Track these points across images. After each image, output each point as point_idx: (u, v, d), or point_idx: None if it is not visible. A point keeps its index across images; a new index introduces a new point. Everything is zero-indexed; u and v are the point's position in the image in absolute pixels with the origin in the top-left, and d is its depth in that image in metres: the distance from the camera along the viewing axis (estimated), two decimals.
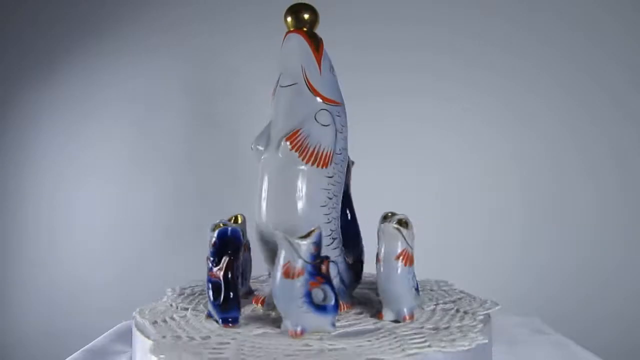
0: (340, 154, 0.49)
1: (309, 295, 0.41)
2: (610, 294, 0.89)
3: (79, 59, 1.01)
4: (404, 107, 0.93)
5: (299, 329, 0.41)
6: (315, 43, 0.50)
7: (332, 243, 0.48)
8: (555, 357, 0.58)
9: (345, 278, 0.50)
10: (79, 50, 1.01)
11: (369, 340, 0.41)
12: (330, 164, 0.48)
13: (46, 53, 1.01)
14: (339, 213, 0.50)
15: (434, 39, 0.94)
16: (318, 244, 0.42)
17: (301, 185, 0.47)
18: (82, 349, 0.63)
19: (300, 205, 0.47)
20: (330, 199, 0.49)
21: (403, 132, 0.93)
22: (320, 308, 0.42)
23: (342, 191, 0.51)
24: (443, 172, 0.94)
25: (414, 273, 0.45)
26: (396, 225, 0.44)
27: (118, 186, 1.00)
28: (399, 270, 0.43)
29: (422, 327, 0.43)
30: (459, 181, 0.94)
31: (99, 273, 0.99)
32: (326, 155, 0.47)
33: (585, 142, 0.92)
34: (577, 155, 0.92)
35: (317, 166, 0.47)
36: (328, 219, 0.48)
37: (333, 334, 0.42)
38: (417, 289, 0.47)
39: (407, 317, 0.44)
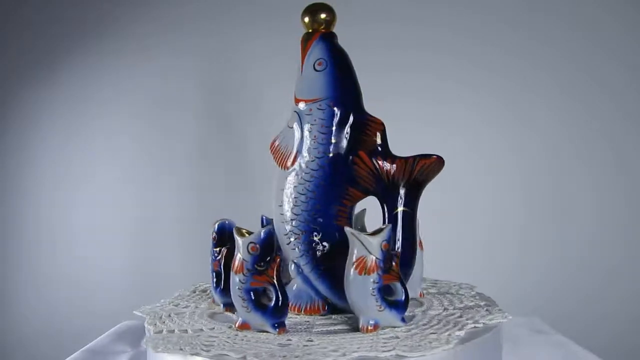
0: (315, 149, 0.48)
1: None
2: (610, 294, 0.89)
3: (79, 59, 1.01)
4: (404, 107, 0.93)
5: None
6: (305, 41, 0.50)
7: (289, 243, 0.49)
8: (555, 357, 0.58)
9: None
10: (79, 50, 1.01)
11: (343, 338, 0.41)
12: (294, 164, 0.48)
13: (46, 53, 1.01)
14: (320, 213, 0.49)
15: (434, 39, 0.94)
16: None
17: (275, 188, 0.50)
18: (82, 349, 0.63)
19: (273, 205, 0.50)
20: (297, 197, 0.48)
21: (403, 132, 0.93)
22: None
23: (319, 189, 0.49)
24: (442, 171, 0.94)
25: (380, 283, 0.42)
26: (352, 231, 0.43)
27: (118, 186, 1.00)
28: (353, 279, 0.42)
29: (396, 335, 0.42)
30: (459, 181, 0.94)
31: (99, 273, 0.99)
32: (288, 156, 0.49)
33: (585, 142, 0.92)
34: (577, 155, 0.92)
35: (282, 168, 0.49)
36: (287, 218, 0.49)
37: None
38: (396, 302, 0.43)
39: (366, 329, 0.42)
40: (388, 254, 0.43)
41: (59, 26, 1.01)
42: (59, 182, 1.01)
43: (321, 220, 0.48)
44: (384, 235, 0.43)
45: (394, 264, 0.43)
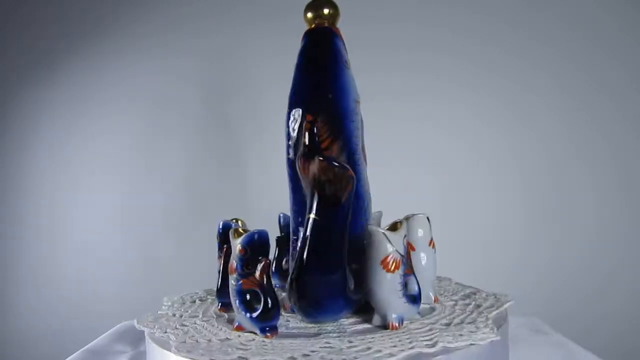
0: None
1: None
2: (610, 294, 0.89)
3: (79, 59, 1.01)
4: (404, 107, 0.93)
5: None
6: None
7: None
8: (555, 357, 0.58)
9: None
10: (79, 50, 1.01)
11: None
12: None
13: (46, 53, 1.01)
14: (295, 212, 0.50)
15: (434, 39, 0.94)
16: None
17: None
18: (82, 349, 0.63)
19: None
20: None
21: (403, 132, 0.93)
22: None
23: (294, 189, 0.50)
24: (442, 171, 0.94)
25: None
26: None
27: (118, 186, 1.00)
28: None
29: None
30: (459, 181, 0.94)
31: (99, 273, 0.99)
32: None
33: (585, 141, 0.92)
34: (577, 155, 0.92)
35: None
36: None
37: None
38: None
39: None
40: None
41: (59, 26, 1.01)
42: (59, 182, 1.01)
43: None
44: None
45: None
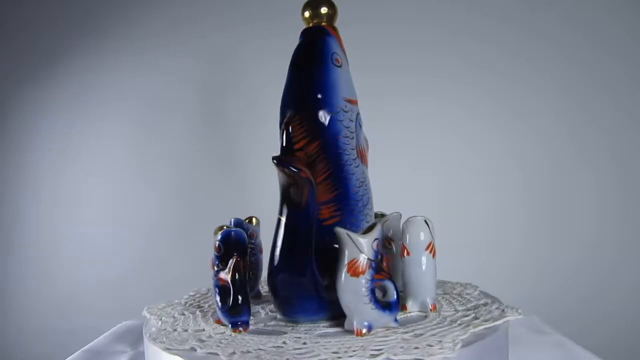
0: None
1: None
2: (610, 293, 0.89)
3: (79, 59, 1.01)
4: (404, 107, 0.93)
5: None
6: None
7: None
8: (554, 357, 0.58)
9: None
10: (79, 50, 1.01)
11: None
12: None
13: (46, 53, 1.01)
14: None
15: (434, 39, 0.94)
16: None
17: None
18: (82, 349, 0.63)
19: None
20: None
21: (403, 131, 0.93)
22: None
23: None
24: (442, 171, 0.94)
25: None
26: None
27: (119, 186, 1.00)
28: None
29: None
30: (459, 181, 0.94)
31: (99, 273, 0.99)
32: None
33: (585, 141, 0.92)
34: (577, 154, 0.92)
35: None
36: None
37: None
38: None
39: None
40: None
41: (59, 26, 1.01)
42: (60, 182, 1.01)
43: None
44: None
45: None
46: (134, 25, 1.00)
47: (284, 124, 0.46)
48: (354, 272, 0.41)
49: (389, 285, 0.43)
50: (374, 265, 0.41)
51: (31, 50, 1.01)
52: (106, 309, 0.94)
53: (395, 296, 0.43)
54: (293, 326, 0.45)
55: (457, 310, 0.48)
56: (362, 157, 0.49)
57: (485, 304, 0.50)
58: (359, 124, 0.49)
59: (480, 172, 0.94)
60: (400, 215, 0.53)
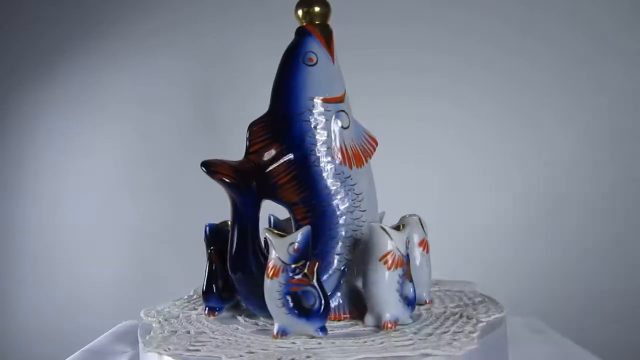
0: None
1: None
2: (610, 294, 0.89)
3: (79, 59, 1.01)
4: (404, 107, 0.93)
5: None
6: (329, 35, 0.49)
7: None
8: (554, 357, 0.58)
9: None
10: (79, 50, 1.01)
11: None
12: None
13: (46, 53, 1.01)
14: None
15: (434, 39, 0.94)
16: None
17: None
18: (82, 349, 0.63)
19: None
20: None
21: (403, 131, 0.93)
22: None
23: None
24: (442, 171, 0.94)
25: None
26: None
27: (119, 187, 1.00)
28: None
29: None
30: (459, 181, 0.94)
31: (99, 273, 0.99)
32: None
33: (585, 141, 0.92)
34: (578, 154, 0.92)
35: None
36: None
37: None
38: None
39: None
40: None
41: (59, 26, 1.01)
42: (60, 182, 1.01)
43: None
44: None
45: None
46: (135, 26, 1.00)
47: (249, 127, 0.47)
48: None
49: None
50: (290, 269, 0.40)
51: (31, 50, 1.01)
52: (106, 309, 0.94)
53: (317, 305, 0.41)
54: None
55: (456, 309, 0.49)
56: (347, 157, 0.46)
57: (485, 304, 0.50)
58: (339, 123, 0.46)
59: (480, 172, 0.94)
60: (383, 213, 0.53)
